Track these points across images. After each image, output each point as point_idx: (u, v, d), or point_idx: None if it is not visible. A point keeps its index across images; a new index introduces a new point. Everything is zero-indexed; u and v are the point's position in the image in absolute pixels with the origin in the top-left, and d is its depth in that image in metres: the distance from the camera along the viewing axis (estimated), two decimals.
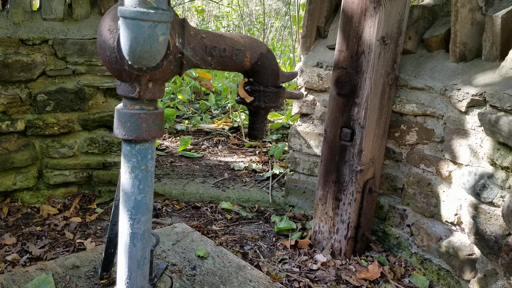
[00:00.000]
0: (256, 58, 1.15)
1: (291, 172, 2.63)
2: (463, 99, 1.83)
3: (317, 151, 2.45)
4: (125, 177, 1.14)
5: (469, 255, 1.87)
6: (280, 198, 2.69)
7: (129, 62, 0.96)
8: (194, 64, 1.07)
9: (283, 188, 2.77)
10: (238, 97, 1.20)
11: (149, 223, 1.23)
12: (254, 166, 3.10)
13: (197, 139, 3.65)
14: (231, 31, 7.16)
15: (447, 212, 1.96)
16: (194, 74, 3.69)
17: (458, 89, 1.86)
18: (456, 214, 1.93)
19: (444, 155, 1.97)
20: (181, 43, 1.02)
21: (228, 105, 4.63)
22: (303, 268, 2.09)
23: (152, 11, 0.89)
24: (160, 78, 1.03)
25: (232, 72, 4.15)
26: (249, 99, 1.18)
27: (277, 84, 1.20)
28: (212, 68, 1.11)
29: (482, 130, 1.78)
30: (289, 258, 2.18)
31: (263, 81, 1.18)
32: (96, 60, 2.35)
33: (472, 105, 1.81)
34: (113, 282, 1.72)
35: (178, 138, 3.68)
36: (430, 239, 2.05)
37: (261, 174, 3.01)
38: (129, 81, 1.01)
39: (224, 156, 3.33)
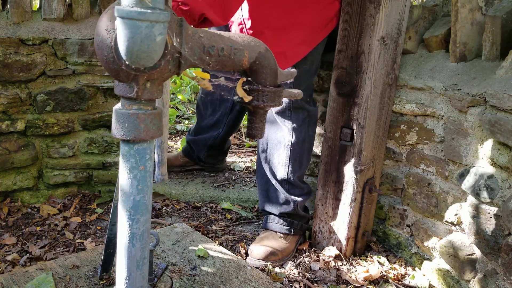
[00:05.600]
0: (255, 57, 1.14)
1: None
2: (463, 99, 1.83)
3: (317, 151, 2.45)
4: (123, 178, 1.14)
5: (469, 255, 1.86)
6: None
7: (127, 62, 0.96)
8: (192, 64, 1.07)
9: None
10: (237, 97, 1.20)
11: (148, 223, 1.22)
12: (254, 166, 3.10)
13: None
14: None
15: (447, 212, 1.96)
16: (192, 73, 3.68)
17: (458, 89, 1.86)
18: (456, 214, 1.93)
19: (444, 155, 1.97)
20: (179, 42, 1.02)
21: None
22: (303, 268, 2.09)
23: (149, 11, 0.89)
24: (158, 78, 1.03)
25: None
26: (247, 98, 1.17)
27: (275, 83, 1.20)
28: (211, 67, 1.11)
29: (482, 130, 1.78)
30: None
31: (261, 80, 1.17)
32: (96, 60, 2.35)
33: (472, 105, 1.81)
34: (113, 282, 1.72)
35: (178, 138, 3.68)
36: (430, 239, 2.05)
37: None
38: (127, 81, 1.01)
39: None
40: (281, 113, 2.13)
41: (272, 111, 2.13)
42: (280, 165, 2.16)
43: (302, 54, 2.01)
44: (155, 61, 0.97)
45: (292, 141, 2.13)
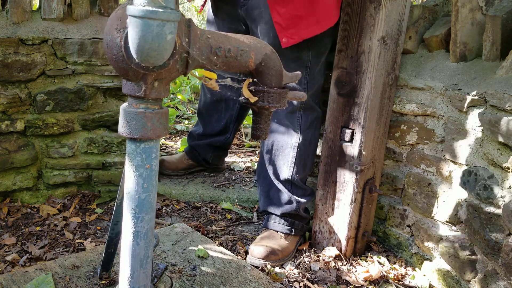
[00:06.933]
0: (261, 58, 1.15)
1: None
2: (463, 99, 1.84)
3: (317, 151, 2.45)
4: (129, 176, 1.14)
5: (469, 255, 1.87)
6: None
7: (136, 61, 0.96)
8: (200, 64, 1.07)
9: None
10: (243, 97, 1.21)
11: (153, 222, 1.23)
12: (254, 166, 3.10)
13: None
14: None
15: (448, 212, 1.97)
16: (196, 74, 3.68)
17: (459, 89, 1.87)
18: (456, 214, 1.93)
19: (444, 155, 1.98)
20: (187, 42, 1.02)
21: None
22: (303, 268, 2.09)
23: (161, 10, 0.90)
24: (166, 77, 1.03)
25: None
26: (253, 99, 1.18)
27: (281, 84, 1.21)
28: (217, 68, 1.12)
29: (482, 130, 1.79)
30: None
31: (267, 82, 1.18)
32: (95, 60, 2.35)
33: (472, 105, 1.82)
34: (112, 282, 1.72)
35: (178, 138, 3.68)
36: (431, 240, 2.06)
37: None
38: (135, 80, 1.02)
39: None
40: (290, 114, 2.12)
41: (282, 112, 2.13)
42: (285, 166, 2.16)
43: (312, 32, 1.96)
44: (164, 60, 0.98)
45: (299, 142, 2.13)
